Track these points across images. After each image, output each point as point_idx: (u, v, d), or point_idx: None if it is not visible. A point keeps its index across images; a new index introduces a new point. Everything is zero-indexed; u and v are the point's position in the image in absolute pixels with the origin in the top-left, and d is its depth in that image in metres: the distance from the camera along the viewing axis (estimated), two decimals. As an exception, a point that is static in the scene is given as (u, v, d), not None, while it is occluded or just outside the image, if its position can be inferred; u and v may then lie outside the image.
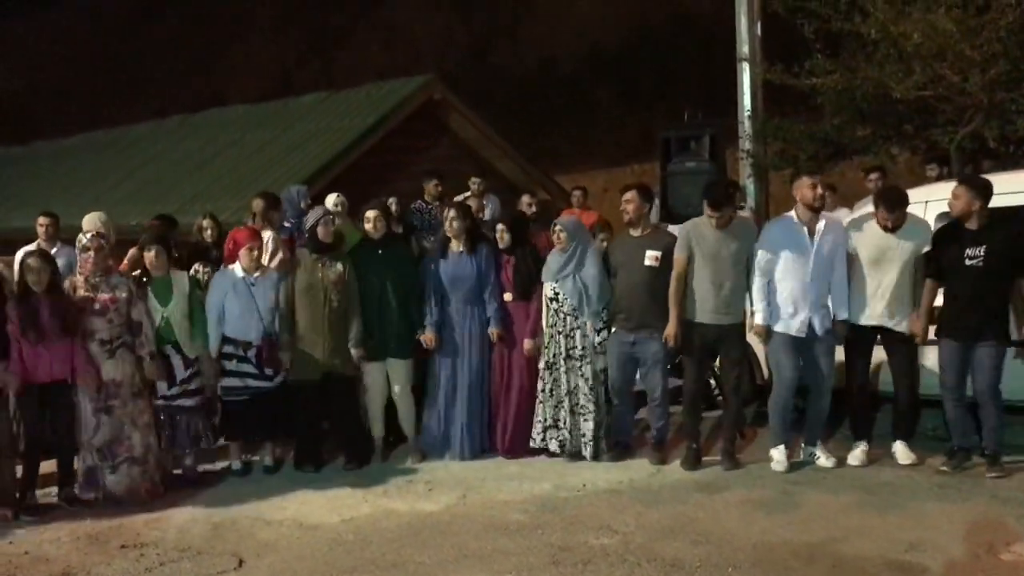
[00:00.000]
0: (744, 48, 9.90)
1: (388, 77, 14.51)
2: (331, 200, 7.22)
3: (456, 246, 6.46)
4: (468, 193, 9.11)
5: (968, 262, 5.61)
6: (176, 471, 6.27)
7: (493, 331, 6.41)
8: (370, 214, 6.46)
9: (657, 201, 8.11)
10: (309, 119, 13.34)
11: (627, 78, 21.98)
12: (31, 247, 6.74)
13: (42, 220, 7.75)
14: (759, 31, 9.86)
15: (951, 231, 5.78)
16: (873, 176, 8.28)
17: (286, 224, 6.91)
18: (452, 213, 6.49)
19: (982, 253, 5.58)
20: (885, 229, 5.84)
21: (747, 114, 9.86)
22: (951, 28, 7.76)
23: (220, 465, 6.45)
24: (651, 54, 21.90)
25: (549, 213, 9.40)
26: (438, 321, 6.43)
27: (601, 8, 24.41)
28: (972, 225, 5.65)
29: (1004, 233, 5.59)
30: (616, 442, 6.40)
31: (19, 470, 5.75)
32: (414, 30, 27.79)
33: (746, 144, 9.83)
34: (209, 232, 7.21)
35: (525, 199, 9.19)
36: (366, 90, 13.57)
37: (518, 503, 5.54)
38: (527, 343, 6.36)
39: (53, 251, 7.42)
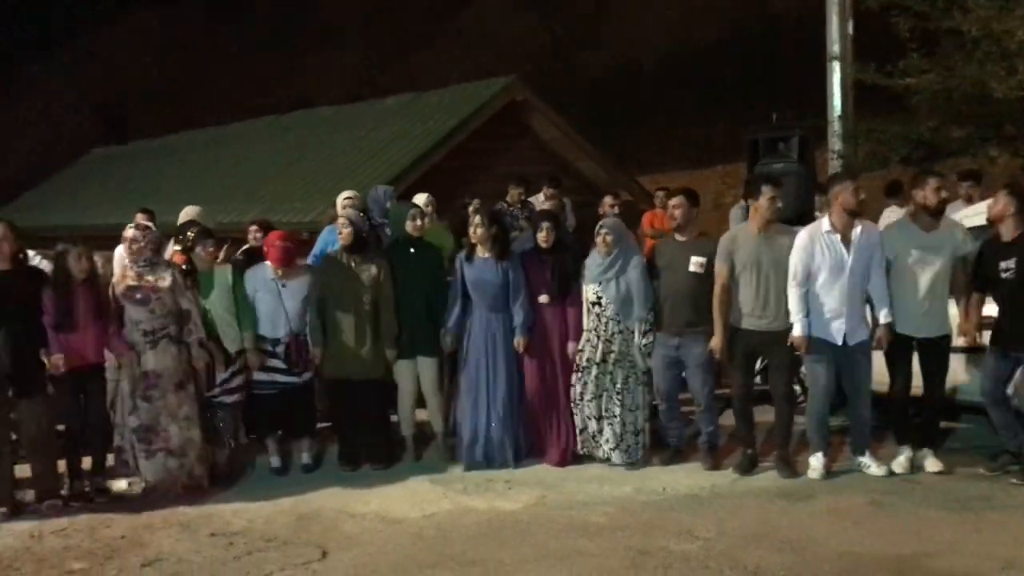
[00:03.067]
0: (835, 47, 9.68)
1: (470, 79, 14.62)
2: (421, 200, 7.32)
3: (482, 252, 6.37)
4: (541, 196, 9.11)
5: (1003, 275, 5.59)
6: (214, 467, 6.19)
7: (519, 341, 6.29)
8: (413, 211, 6.49)
9: (743, 203, 8.00)
10: (393, 121, 13.52)
11: (711, 78, 21.68)
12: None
13: (140, 216, 8.02)
14: (851, 29, 9.64)
15: (991, 241, 5.74)
16: (966, 184, 8.01)
17: (372, 223, 7.01)
18: (477, 219, 6.40)
19: (1013, 265, 5.56)
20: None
21: (837, 115, 9.65)
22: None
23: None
24: (736, 53, 21.55)
25: (632, 214, 9.35)
26: (461, 324, 6.36)
27: (684, 7, 24.15)
28: (1007, 236, 5.63)
29: None
30: (666, 446, 6.35)
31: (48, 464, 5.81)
32: (496, 32, 27.91)
33: (835, 145, 9.62)
34: (259, 236, 7.31)
35: (607, 200, 9.14)
36: (449, 92, 13.70)
37: (598, 505, 5.52)
38: (571, 346, 6.28)
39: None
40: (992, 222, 5.74)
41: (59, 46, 37.23)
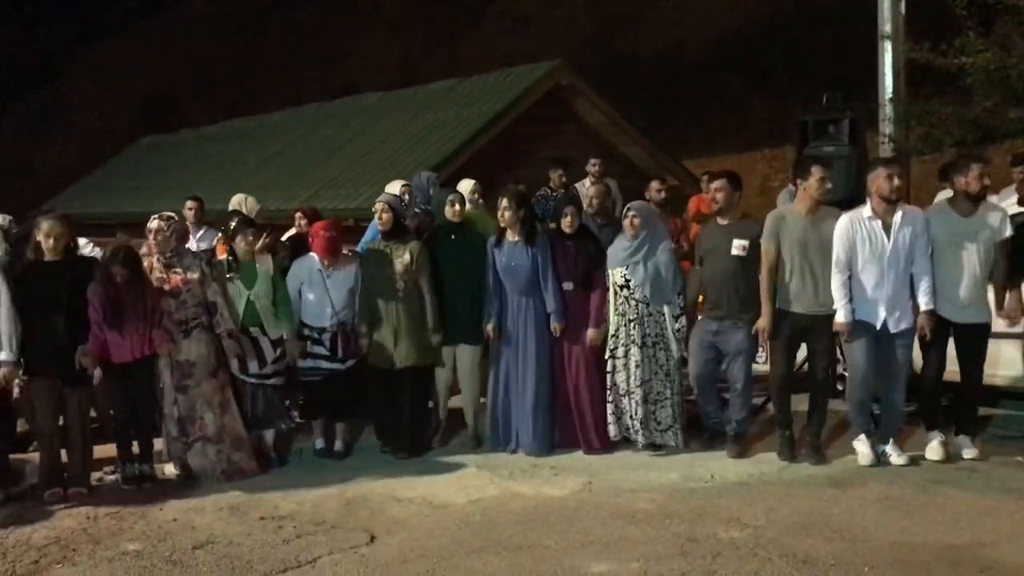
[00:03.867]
0: (886, 26, 9.43)
1: (514, 64, 14.56)
2: (467, 186, 7.31)
3: (512, 236, 6.31)
4: (587, 181, 9.09)
5: None
6: (260, 449, 6.32)
7: (556, 326, 6.24)
8: (451, 197, 6.48)
9: (792, 187, 7.87)
10: (437, 107, 13.52)
11: (757, 61, 21.36)
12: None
13: (189, 204, 8.13)
14: (903, 8, 9.40)
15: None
16: (1018, 168, 7.79)
17: (416, 209, 7.03)
18: (505, 202, 6.32)
19: None
20: None
21: (888, 96, 9.42)
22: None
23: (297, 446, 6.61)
24: (783, 35, 21.20)
25: (678, 199, 9.26)
26: (498, 312, 6.34)
27: (730, -10, 23.81)
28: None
29: None
30: (706, 428, 6.30)
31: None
32: (539, 17, 27.76)
33: (887, 128, 9.40)
34: (304, 223, 7.35)
35: (654, 185, 9.07)
36: (493, 77, 13.65)
37: (645, 492, 5.49)
38: (591, 332, 6.22)
39: (199, 233, 7.82)
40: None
41: (108, 36, 37.84)
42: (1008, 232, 5.74)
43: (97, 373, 5.79)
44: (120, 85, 34.99)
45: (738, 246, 6.02)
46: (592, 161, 9.34)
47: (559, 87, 12.47)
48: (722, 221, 6.19)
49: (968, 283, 5.72)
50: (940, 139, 8.89)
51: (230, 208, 7.01)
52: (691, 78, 22.05)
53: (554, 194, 8.86)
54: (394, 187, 7.43)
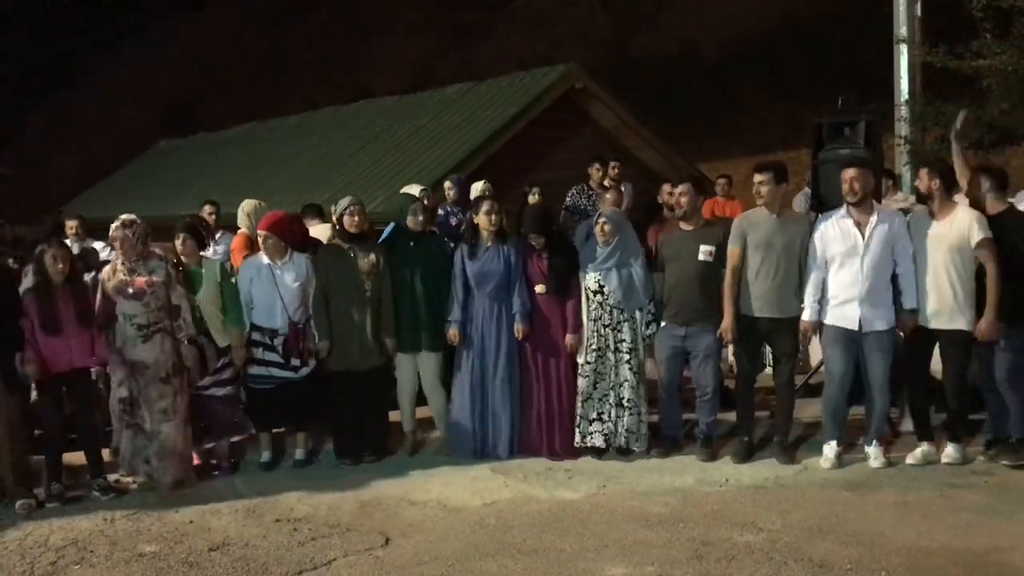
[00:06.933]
0: (902, 29, 9.42)
1: (529, 67, 14.59)
2: (478, 188, 7.32)
3: (487, 239, 6.27)
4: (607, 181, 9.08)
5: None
6: (212, 461, 6.26)
7: (518, 327, 6.20)
8: (414, 206, 6.38)
9: (807, 190, 7.86)
10: (453, 110, 13.56)
11: (772, 64, 21.33)
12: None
13: (208, 208, 8.17)
14: (919, 11, 9.37)
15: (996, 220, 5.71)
16: None
17: (440, 212, 7.05)
18: (486, 207, 6.28)
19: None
20: None
21: (904, 99, 9.39)
22: None
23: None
24: (797, 38, 21.16)
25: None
26: (463, 317, 6.26)
27: (745, -7, 23.77)
28: (990, 211, 5.70)
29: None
30: (665, 437, 6.29)
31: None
32: (554, 20, 27.81)
33: (903, 130, 9.37)
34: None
35: (666, 188, 9.06)
36: (508, 80, 13.69)
37: (659, 495, 5.48)
38: (570, 338, 6.18)
39: (217, 236, 7.87)
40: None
41: (127, 41, 38.16)
42: (981, 235, 5.59)
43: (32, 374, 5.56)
44: (139, 89, 35.28)
45: (705, 251, 6.04)
46: (611, 164, 9.35)
47: (573, 90, 12.50)
48: (685, 226, 6.20)
49: (939, 286, 5.68)
50: (956, 141, 8.82)
51: (240, 212, 7.02)
52: (706, 80, 22.04)
53: (591, 192, 8.90)
54: (413, 189, 7.45)
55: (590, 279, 6.16)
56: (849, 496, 5.35)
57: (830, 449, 5.89)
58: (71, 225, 8.50)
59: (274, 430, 6.41)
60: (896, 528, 4.83)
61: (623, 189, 8.93)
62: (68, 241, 7.67)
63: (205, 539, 5.06)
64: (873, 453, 5.87)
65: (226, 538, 5.07)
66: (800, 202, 8.69)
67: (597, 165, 8.96)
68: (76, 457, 5.99)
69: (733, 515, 5.11)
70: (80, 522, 5.37)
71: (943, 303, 5.70)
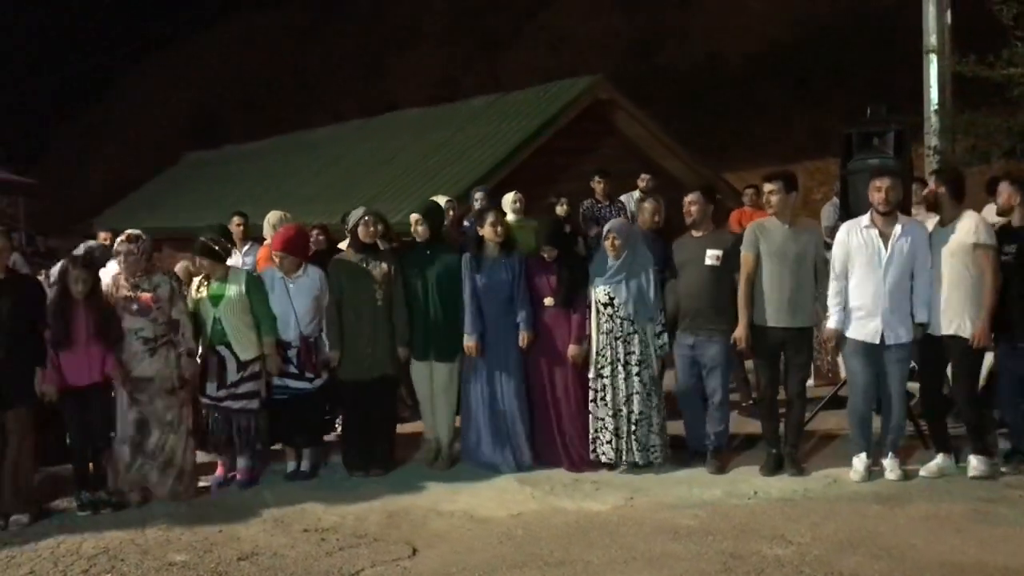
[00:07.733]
0: (932, 39, 9.37)
1: (553, 79, 14.61)
2: (508, 199, 7.37)
3: (493, 250, 6.28)
4: (637, 193, 9.14)
5: (1003, 258, 5.54)
6: (231, 473, 6.23)
7: (523, 335, 6.19)
8: (413, 217, 6.42)
9: (836, 200, 7.81)
10: (479, 122, 13.61)
11: (797, 74, 21.22)
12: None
13: (236, 220, 8.25)
14: (949, 20, 9.31)
15: (1000, 229, 5.70)
16: None
17: (466, 223, 7.08)
18: (491, 218, 6.30)
19: (1014, 250, 5.53)
20: None
21: (934, 108, 9.32)
22: None
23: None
24: (823, 49, 21.05)
25: (720, 212, 9.21)
26: (481, 328, 6.25)
27: (770, 3, 23.68)
28: (1016, 222, 5.63)
29: None
30: (688, 449, 6.26)
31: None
32: (579, 31, 27.82)
33: (932, 140, 9.30)
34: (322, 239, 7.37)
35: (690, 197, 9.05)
36: (533, 92, 13.72)
37: (687, 508, 5.45)
38: (572, 348, 6.16)
39: (245, 248, 7.93)
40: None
41: (154, 55, 38.66)
42: (982, 240, 5.53)
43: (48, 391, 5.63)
44: (167, 102, 35.68)
45: (712, 256, 6.05)
46: (643, 176, 9.59)
47: (599, 101, 12.50)
48: (696, 234, 6.25)
49: (947, 293, 5.63)
50: (987, 150, 8.78)
51: (267, 223, 7.09)
52: (732, 90, 21.96)
53: (599, 206, 8.93)
54: (440, 200, 7.49)
55: (600, 292, 6.13)
56: (879, 509, 5.29)
57: (859, 461, 5.83)
58: (104, 236, 8.61)
59: (277, 444, 6.40)
60: (928, 542, 4.78)
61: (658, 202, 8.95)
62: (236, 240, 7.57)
63: (234, 548, 5.10)
64: (889, 465, 5.81)
65: (255, 548, 5.10)
66: (829, 213, 8.64)
67: (598, 178, 9.10)
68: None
69: (762, 528, 5.07)
70: (111, 531, 5.42)
71: (946, 309, 5.65)
